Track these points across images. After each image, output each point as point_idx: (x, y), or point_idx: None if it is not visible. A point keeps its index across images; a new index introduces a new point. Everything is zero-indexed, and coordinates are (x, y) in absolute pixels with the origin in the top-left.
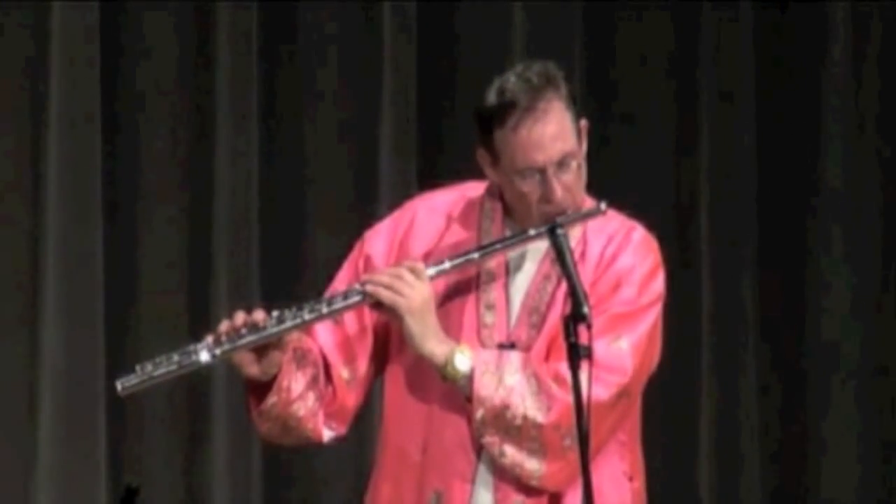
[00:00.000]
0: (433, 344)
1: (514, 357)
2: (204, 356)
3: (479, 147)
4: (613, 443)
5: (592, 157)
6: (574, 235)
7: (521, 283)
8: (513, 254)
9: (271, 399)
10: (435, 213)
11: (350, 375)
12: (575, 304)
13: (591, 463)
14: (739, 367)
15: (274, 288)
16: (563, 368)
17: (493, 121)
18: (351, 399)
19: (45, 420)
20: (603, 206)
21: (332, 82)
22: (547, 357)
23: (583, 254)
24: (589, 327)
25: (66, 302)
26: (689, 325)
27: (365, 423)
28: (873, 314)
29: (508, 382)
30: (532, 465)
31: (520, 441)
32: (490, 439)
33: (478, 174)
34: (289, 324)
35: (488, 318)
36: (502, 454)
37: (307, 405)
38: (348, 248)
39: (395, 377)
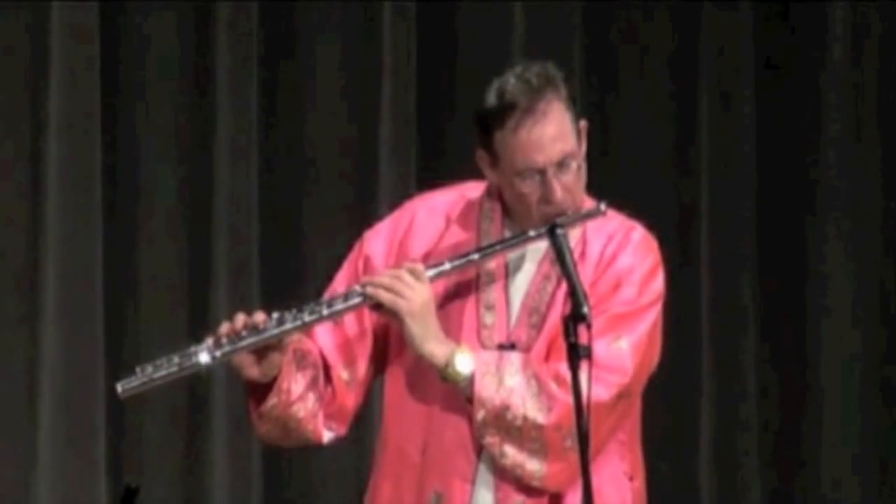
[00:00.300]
0: (433, 345)
1: (515, 358)
2: (204, 358)
3: (479, 148)
4: (614, 442)
5: (591, 158)
6: (574, 235)
7: (521, 283)
8: (512, 254)
9: (271, 401)
10: (434, 214)
11: (350, 376)
12: (575, 304)
13: (592, 463)
14: (739, 367)
15: (274, 288)
16: (564, 369)
17: (492, 122)
18: (350, 400)
19: (45, 420)
20: (603, 206)
21: (332, 82)
22: (547, 357)
23: (582, 254)
24: (589, 327)
25: (66, 302)
26: (689, 325)
27: (365, 424)
28: (873, 314)
29: (509, 383)
30: (533, 466)
31: (521, 442)
32: (491, 440)
33: (477, 175)
34: (289, 325)
35: (488, 318)
36: (503, 455)
37: (307, 406)
38: (348, 248)
39: (394, 378)
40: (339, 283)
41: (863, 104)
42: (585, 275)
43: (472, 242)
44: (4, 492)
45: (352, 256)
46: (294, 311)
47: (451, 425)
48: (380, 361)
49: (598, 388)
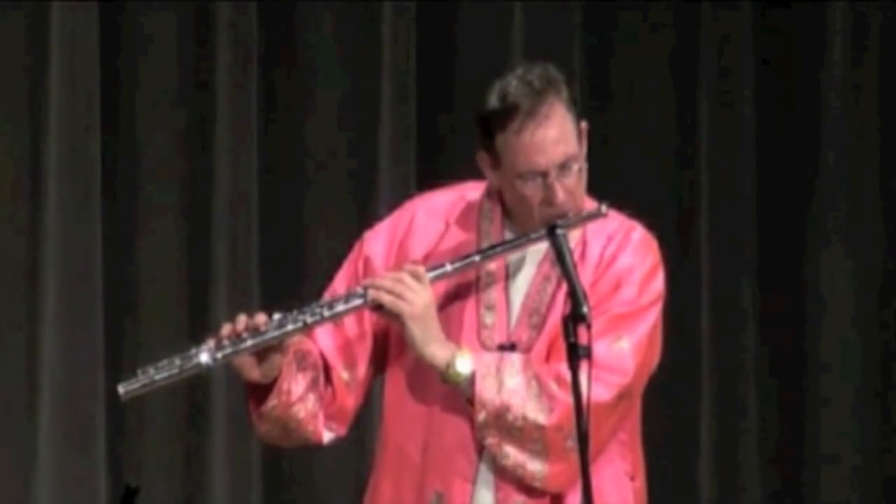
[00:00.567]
0: (434, 348)
1: (515, 359)
2: (205, 360)
3: (480, 149)
4: (615, 442)
5: (592, 158)
6: (574, 236)
7: (522, 283)
8: (513, 255)
9: (271, 402)
10: (434, 214)
11: (350, 377)
12: (574, 303)
13: (594, 463)
14: (739, 367)
15: (274, 288)
16: (565, 369)
17: (494, 124)
18: (351, 400)
19: (45, 420)
20: (604, 208)
21: (332, 82)
22: (548, 358)
23: (582, 254)
24: (588, 327)
25: (66, 302)
26: (689, 325)
27: (365, 424)
28: (874, 314)
29: (509, 385)
30: (535, 467)
31: (522, 443)
32: (492, 441)
33: (477, 175)
34: (290, 327)
35: (488, 318)
36: (505, 456)
37: (307, 407)
38: (348, 249)
39: (395, 378)
40: (339, 284)
41: (863, 104)
42: (586, 275)
43: (473, 243)
44: (4, 492)
45: (352, 257)
46: (295, 312)
47: (451, 425)
48: (380, 362)
49: (600, 389)
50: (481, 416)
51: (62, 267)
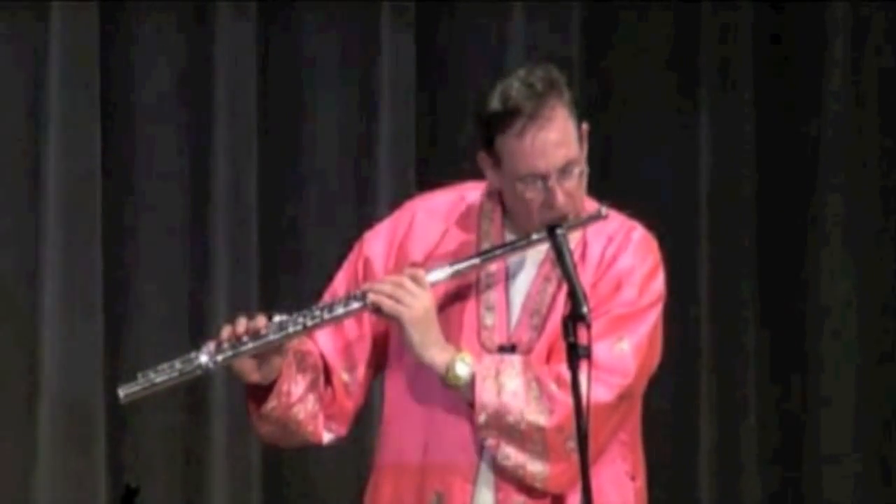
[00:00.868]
0: (434, 352)
1: (515, 361)
2: (206, 363)
3: (481, 150)
4: (616, 443)
5: (592, 157)
6: (574, 237)
7: (522, 284)
8: (513, 257)
9: (271, 403)
10: (434, 215)
11: (350, 379)
12: (574, 303)
13: (594, 464)
14: (739, 367)
15: (273, 288)
16: (565, 370)
17: (496, 126)
18: (350, 401)
19: (44, 420)
20: (604, 210)
21: (332, 82)
22: (548, 359)
23: (583, 255)
24: (588, 327)
25: (66, 301)
26: (689, 325)
27: (365, 424)
28: (874, 314)
29: (509, 387)
30: (536, 468)
31: (522, 444)
32: (493, 442)
33: (477, 175)
34: (290, 330)
35: (489, 319)
36: (506, 457)
37: (307, 408)
38: (347, 249)
39: (395, 378)
40: (339, 285)
41: (863, 104)
42: (586, 276)
43: (473, 244)
44: (4, 492)
45: (351, 258)
46: (295, 315)
47: (451, 425)
48: (379, 363)
49: (600, 390)
50: (482, 418)
51: (62, 267)
